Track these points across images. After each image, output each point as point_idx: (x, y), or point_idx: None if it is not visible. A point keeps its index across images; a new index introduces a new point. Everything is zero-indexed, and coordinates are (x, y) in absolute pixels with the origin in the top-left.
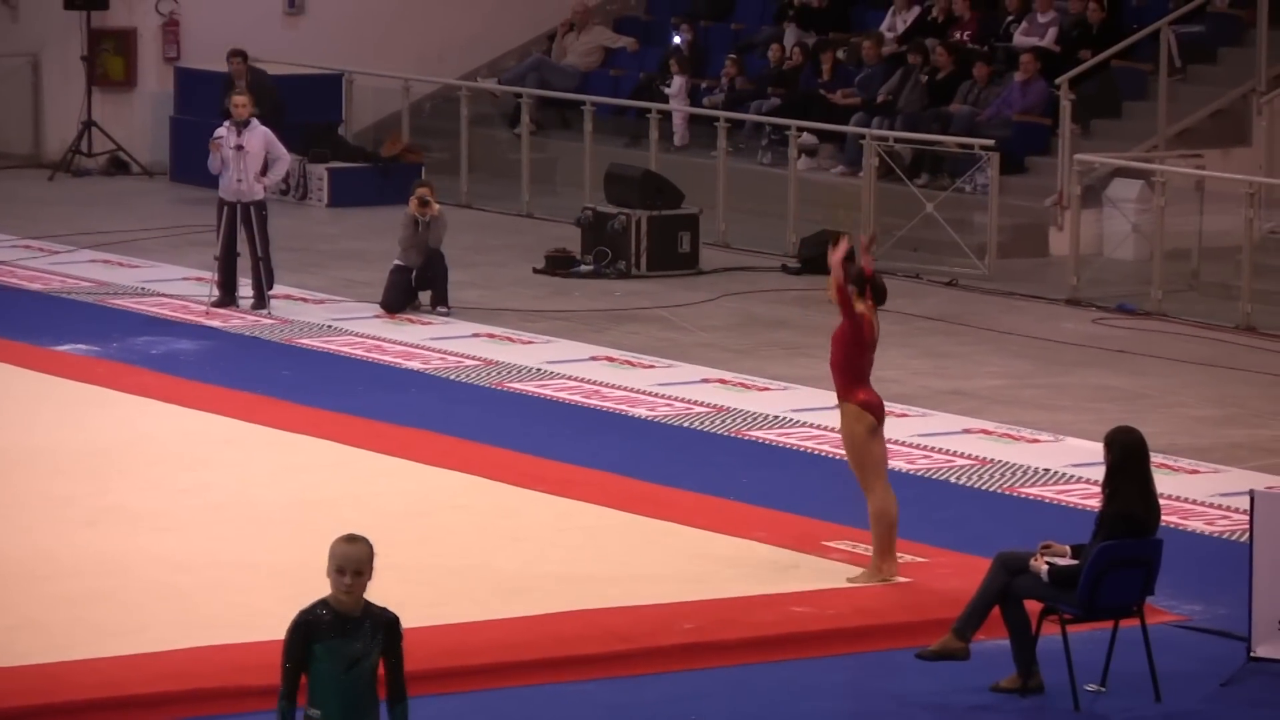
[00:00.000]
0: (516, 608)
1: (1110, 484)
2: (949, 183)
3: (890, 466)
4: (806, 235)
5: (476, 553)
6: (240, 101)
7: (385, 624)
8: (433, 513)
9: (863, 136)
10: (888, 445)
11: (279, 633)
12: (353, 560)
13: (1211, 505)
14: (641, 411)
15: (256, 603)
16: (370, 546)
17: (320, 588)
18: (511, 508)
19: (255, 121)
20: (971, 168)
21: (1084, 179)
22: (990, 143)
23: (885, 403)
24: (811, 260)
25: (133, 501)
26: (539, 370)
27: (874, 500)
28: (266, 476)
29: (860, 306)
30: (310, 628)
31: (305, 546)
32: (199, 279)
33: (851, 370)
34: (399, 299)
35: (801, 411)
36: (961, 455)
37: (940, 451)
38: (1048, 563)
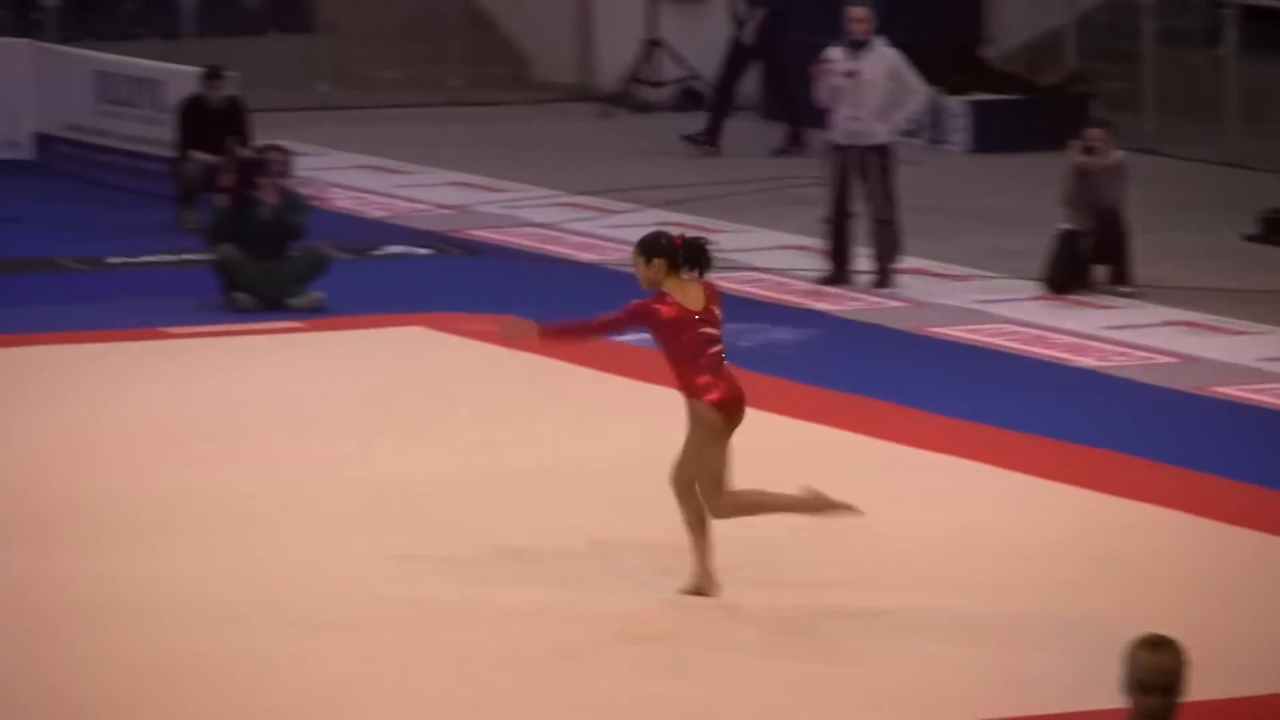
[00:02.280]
0: None
1: None
2: None
3: None
4: None
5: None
6: (859, 15)
7: None
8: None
9: None
10: None
11: None
12: (1160, 674)
13: None
14: None
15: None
16: (1182, 655)
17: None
18: None
19: (878, 41)
20: None
21: None
22: None
23: None
24: None
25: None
26: (1252, 370)
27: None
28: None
29: (668, 283)
30: None
31: None
32: (800, 248)
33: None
34: (1067, 274)
35: None
36: None
37: None
38: None
